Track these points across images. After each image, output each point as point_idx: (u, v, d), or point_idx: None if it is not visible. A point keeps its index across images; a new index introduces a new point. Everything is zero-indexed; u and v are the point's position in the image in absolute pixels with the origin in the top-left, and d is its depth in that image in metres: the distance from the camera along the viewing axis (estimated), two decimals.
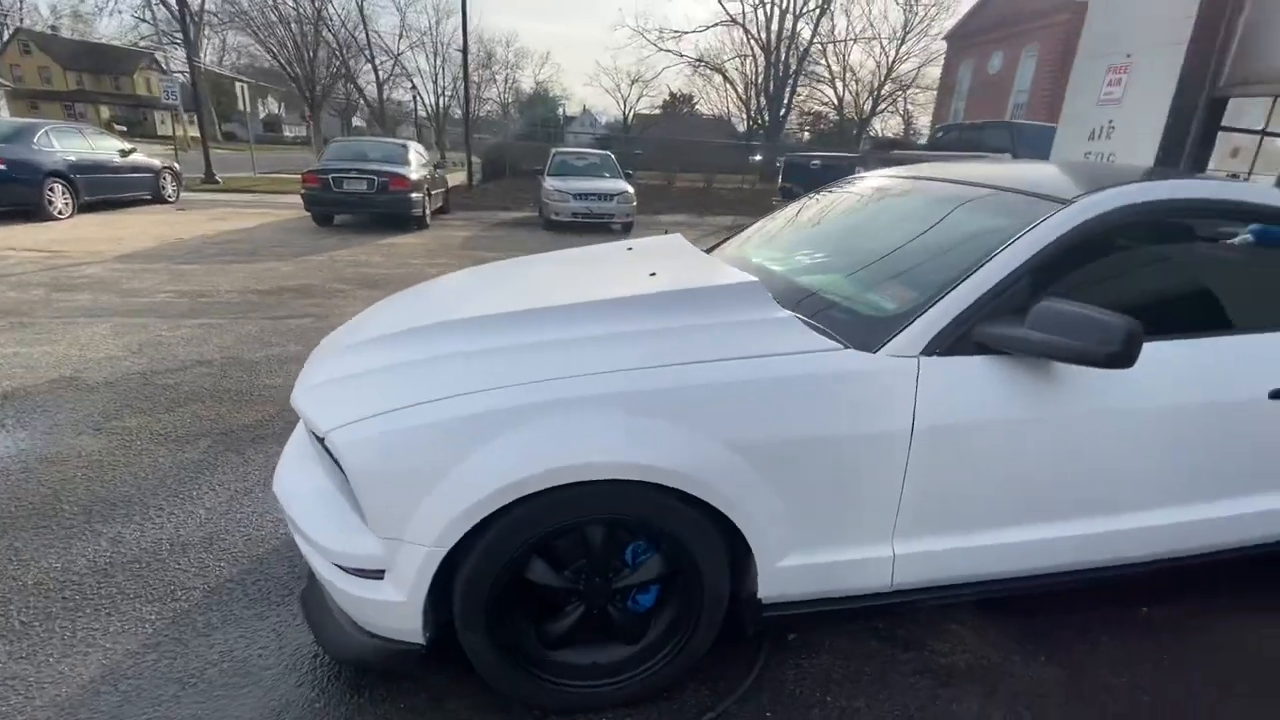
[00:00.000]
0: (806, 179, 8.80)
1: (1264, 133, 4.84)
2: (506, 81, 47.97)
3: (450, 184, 12.43)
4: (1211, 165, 4.55)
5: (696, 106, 36.61)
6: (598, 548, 1.55)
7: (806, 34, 21.15)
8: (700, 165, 17.09)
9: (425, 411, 1.45)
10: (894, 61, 24.88)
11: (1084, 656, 1.86)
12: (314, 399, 1.66)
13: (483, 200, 13.61)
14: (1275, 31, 3.90)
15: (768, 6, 20.34)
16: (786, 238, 2.62)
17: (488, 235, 9.77)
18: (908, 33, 24.33)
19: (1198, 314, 1.90)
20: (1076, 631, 1.95)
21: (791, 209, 2.93)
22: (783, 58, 20.84)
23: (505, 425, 1.42)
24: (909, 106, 28.55)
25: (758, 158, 18.35)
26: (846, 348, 1.59)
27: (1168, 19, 4.21)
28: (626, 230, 10.65)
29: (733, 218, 13.24)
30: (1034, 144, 8.53)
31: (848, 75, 24.13)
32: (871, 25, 31.42)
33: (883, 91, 25.24)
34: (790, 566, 1.60)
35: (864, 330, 1.64)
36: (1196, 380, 1.73)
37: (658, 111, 43.87)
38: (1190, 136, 4.26)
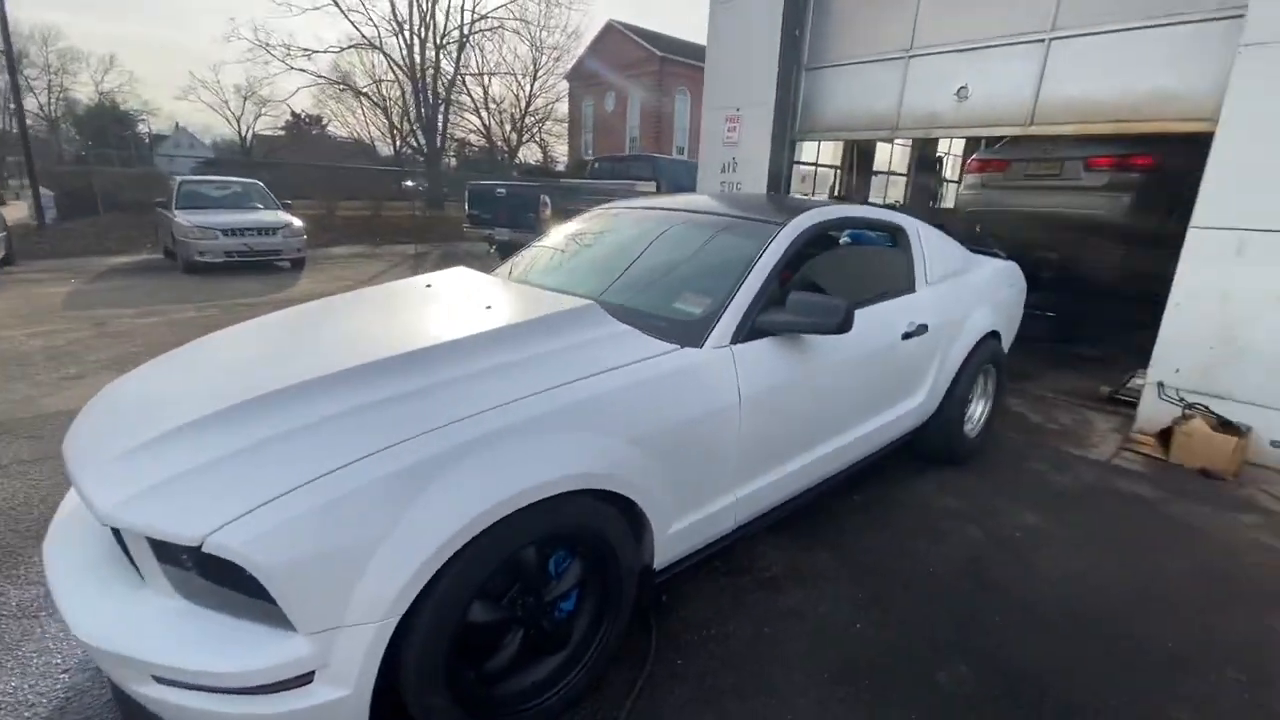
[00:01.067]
0: (493, 207, 9.16)
1: (816, 165, 7.03)
2: (51, 90, 36.54)
3: (8, 222, 9.13)
4: (793, 189, 6.44)
5: (328, 128, 33.50)
6: (532, 569, 1.62)
7: (448, 64, 21.47)
8: (354, 192, 15.95)
9: (341, 480, 1.34)
10: (530, 95, 26.99)
11: (838, 538, 2.65)
12: (161, 503, 1.33)
13: (67, 243, 10.31)
14: (817, 100, 5.77)
15: (407, 34, 20.00)
16: (568, 264, 2.90)
17: (104, 287, 7.56)
18: (538, 70, 26.66)
19: (857, 290, 2.84)
20: (828, 524, 2.74)
21: (551, 240, 3.21)
22: (429, 84, 20.75)
23: (434, 472, 1.41)
24: (544, 137, 31.33)
25: (409, 183, 18.00)
26: (682, 347, 1.99)
27: (761, 86, 5.82)
28: (298, 267, 9.44)
29: (414, 246, 12.81)
30: (671, 174, 10.50)
31: (491, 106, 25.30)
32: (505, 61, 33.46)
33: (525, 123, 27.18)
34: (674, 532, 1.93)
35: (683, 332, 2.06)
36: (867, 334, 2.62)
37: (281, 133, 38.76)
38: (784, 169, 5.98)
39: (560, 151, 36.08)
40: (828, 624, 2.14)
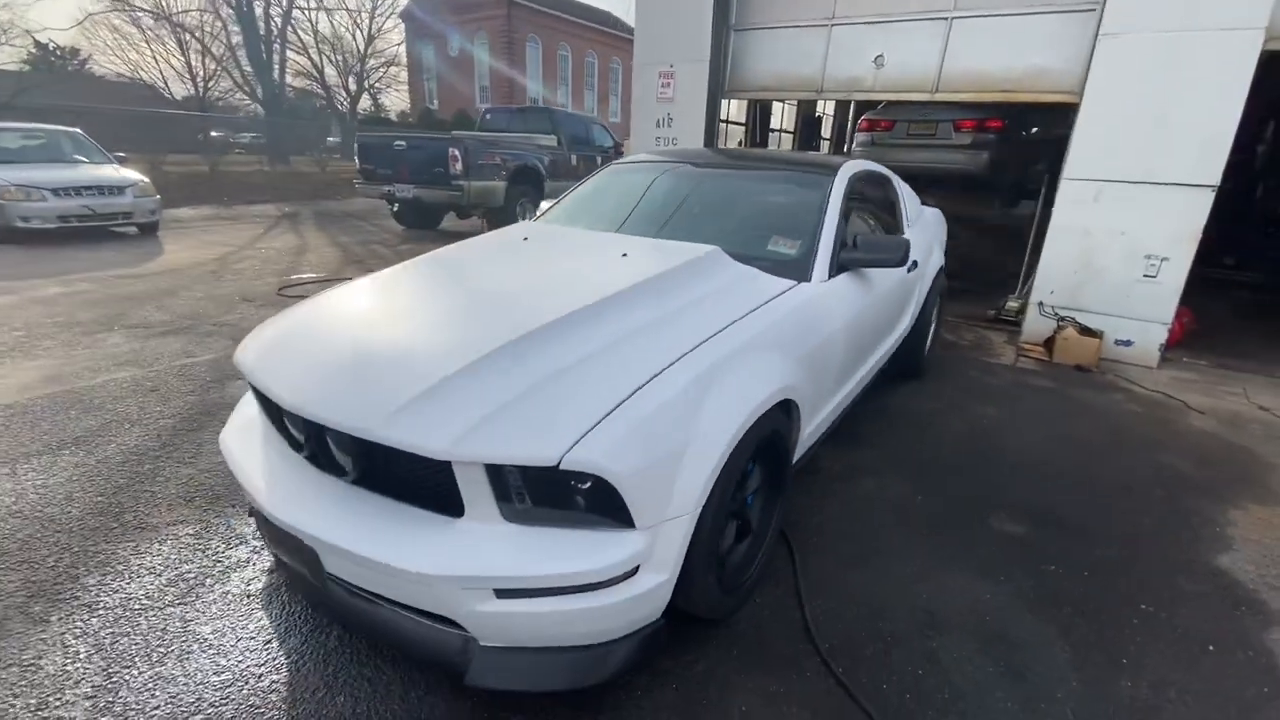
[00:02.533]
0: (392, 161, 8.54)
1: (727, 121, 7.51)
2: None
3: None
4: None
5: (90, 64, 27.42)
6: (746, 466, 1.93)
7: None
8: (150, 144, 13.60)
9: (652, 393, 1.55)
10: (370, 36, 24.43)
11: (873, 439, 3.22)
12: (503, 433, 1.44)
13: None
14: (746, 60, 6.19)
15: None
16: (638, 213, 3.04)
17: None
18: (376, 7, 24.14)
19: (867, 231, 3.34)
20: (859, 430, 3.30)
21: (596, 190, 3.34)
22: (259, 19, 17.94)
23: (710, 384, 1.67)
24: (378, 84, 28.66)
25: (245, 136, 15.71)
26: (799, 282, 2.35)
27: (695, 43, 6.09)
28: (149, 232, 8.11)
29: (277, 206, 11.46)
30: (570, 128, 10.41)
31: (325, 47, 22.53)
32: None
33: (367, 67, 24.64)
34: (806, 434, 2.32)
35: (789, 270, 2.42)
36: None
37: (26, 68, 31.06)
38: (716, 125, 6.38)
39: (395, 100, 33.25)
40: (897, 500, 2.69)
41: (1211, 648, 1.94)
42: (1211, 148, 4.07)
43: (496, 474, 1.46)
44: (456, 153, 7.96)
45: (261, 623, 1.86)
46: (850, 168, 2.99)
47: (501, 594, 1.46)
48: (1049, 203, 4.92)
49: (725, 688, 1.71)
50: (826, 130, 10.73)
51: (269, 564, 2.11)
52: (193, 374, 3.64)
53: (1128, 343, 4.63)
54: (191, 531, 2.25)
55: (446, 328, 1.90)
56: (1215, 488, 2.91)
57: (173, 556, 2.12)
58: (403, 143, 8.39)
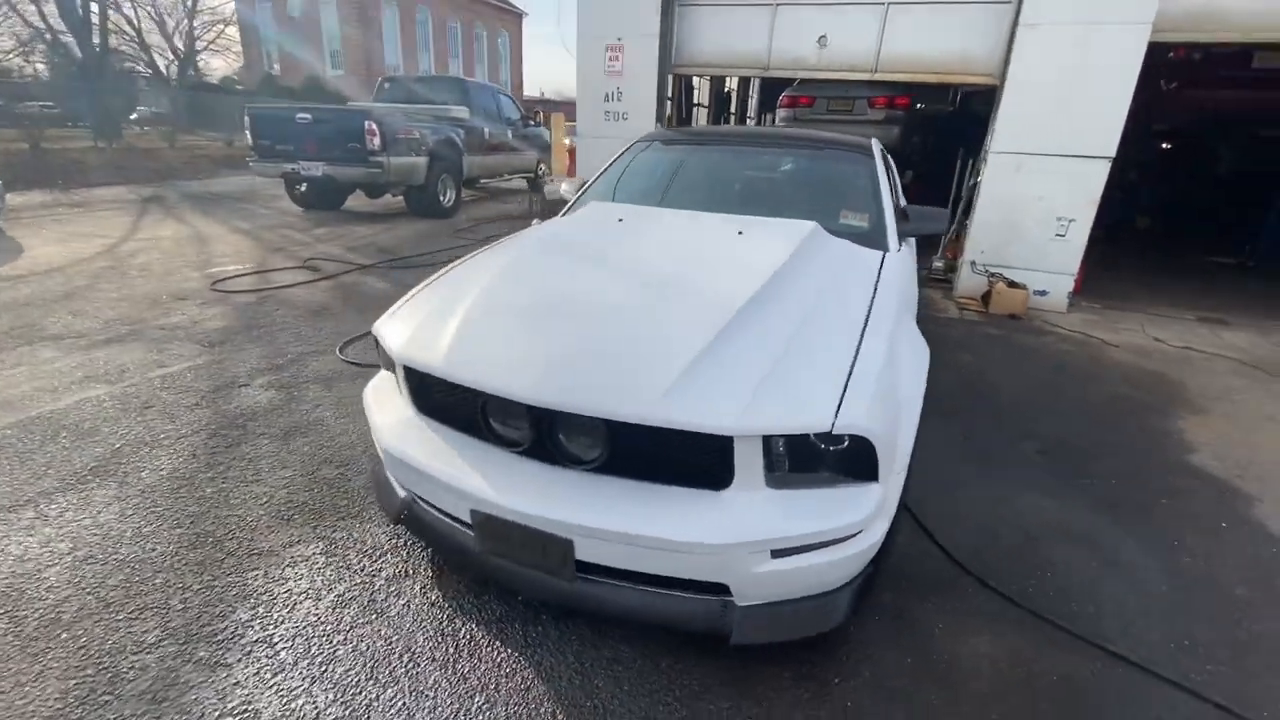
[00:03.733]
0: (294, 136, 7.66)
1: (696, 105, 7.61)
2: None
3: None
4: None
5: None
6: None
7: None
8: None
9: (867, 364, 1.69)
10: None
11: None
12: (775, 407, 1.52)
13: None
14: (694, 36, 6.30)
15: None
16: (703, 190, 3.10)
17: None
18: None
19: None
20: None
21: (640, 169, 3.34)
22: None
23: (895, 351, 1.84)
24: (212, 46, 25.13)
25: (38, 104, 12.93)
26: (884, 251, 2.58)
27: (645, 17, 6.08)
28: None
29: (128, 188, 9.83)
30: (482, 101, 9.91)
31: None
32: None
33: (194, 25, 21.35)
34: None
35: (870, 241, 2.65)
36: None
37: None
38: (668, 99, 6.46)
39: (220, 65, 29.44)
40: (949, 440, 3.06)
41: (1224, 524, 2.49)
42: (1109, 125, 4.88)
43: (766, 444, 1.55)
44: (374, 127, 7.34)
45: (471, 628, 1.79)
46: (877, 145, 3.27)
47: (776, 554, 1.56)
48: (968, 173, 5.61)
49: (918, 613, 1.94)
50: (735, 105, 11.14)
51: (430, 570, 2.00)
52: (182, 385, 3.19)
53: (1044, 293, 5.45)
54: (318, 550, 2.06)
55: (646, 308, 1.89)
56: (1156, 405, 3.62)
57: (318, 578, 1.94)
58: (307, 116, 7.56)
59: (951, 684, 1.69)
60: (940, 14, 5.42)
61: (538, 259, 2.28)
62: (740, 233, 2.47)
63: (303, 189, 8.22)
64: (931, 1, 5.42)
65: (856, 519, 1.60)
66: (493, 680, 1.63)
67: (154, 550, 2.02)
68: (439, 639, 1.75)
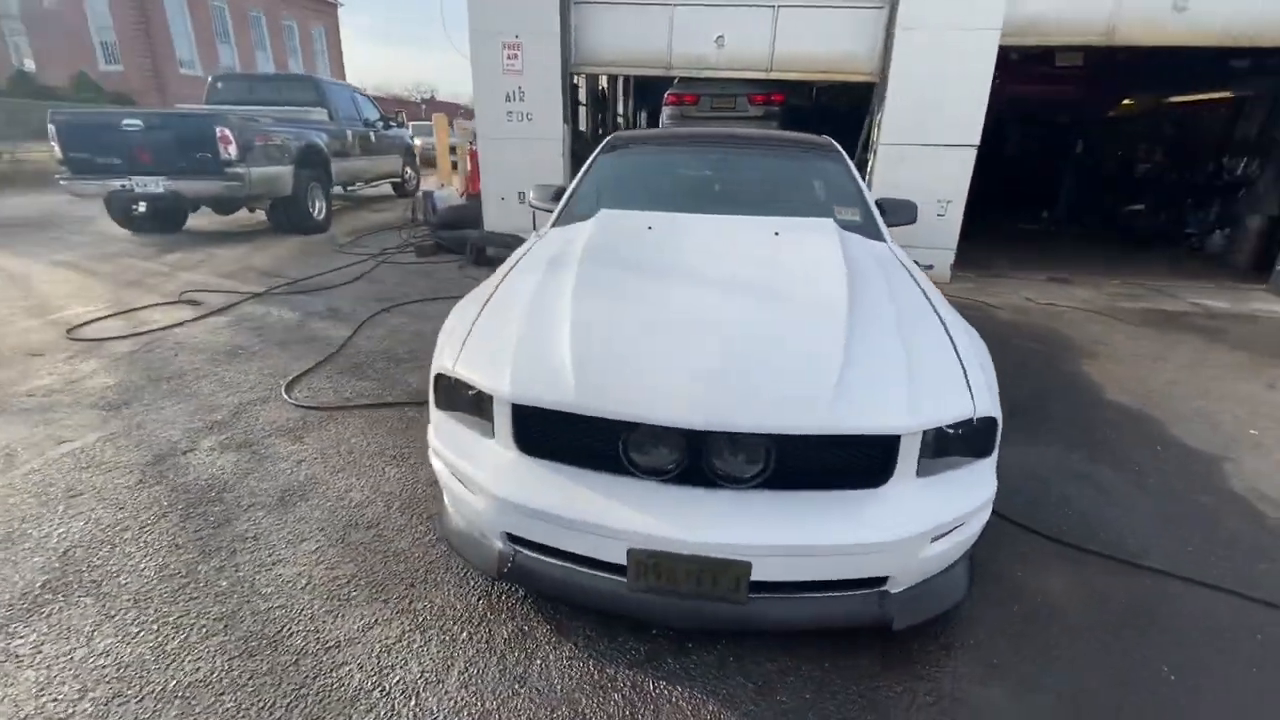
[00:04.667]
0: (118, 147, 6.40)
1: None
2: None
3: None
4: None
5: None
6: None
7: None
8: None
9: (964, 352, 1.83)
10: None
11: None
12: (932, 403, 1.61)
13: None
14: (593, 34, 6.21)
15: None
16: (690, 192, 3.09)
17: None
18: None
19: None
20: None
21: (627, 173, 3.26)
22: None
23: (963, 338, 2.00)
24: None
25: None
26: (884, 242, 2.79)
27: (544, 14, 5.87)
28: None
29: None
30: (340, 101, 8.96)
31: None
32: None
33: None
34: None
35: (865, 233, 2.84)
36: None
37: None
38: (570, 99, 6.32)
39: None
40: None
41: (1158, 447, 3.03)
42: (973, 117, 5.63)
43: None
44: (228, 132, 6.37)
45: (627, 673, 1.68)
46: (830, 140, 3.49)
47: (935, 539, 1.65)
48: (860, 164, 6.18)
49: (996, 567, 2.14)
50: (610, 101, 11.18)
51: (548, 623, 1.84)
52: (105, 461, 2.59)
53: (930, 266, 6.16)
54: (405, 627, 1.80)
55: (756, 319, 1.88)
56: (1056, 355, 4.28)
57: (426, 659, 1.70)
58: (138, 122, 6.35)
59: (1056, 621, 1.90)
60: (824, 16, 5.88)
61: (605, 275, 2.15)
62: (776, 233, 2.53)
63: (140, 209, 6.89)
64: (816, 5, 5.85)
65: (991, 492, 1.74)
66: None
67: (199, 669, 1.64)
68: (603, 693, 1.62)
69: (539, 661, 1.71)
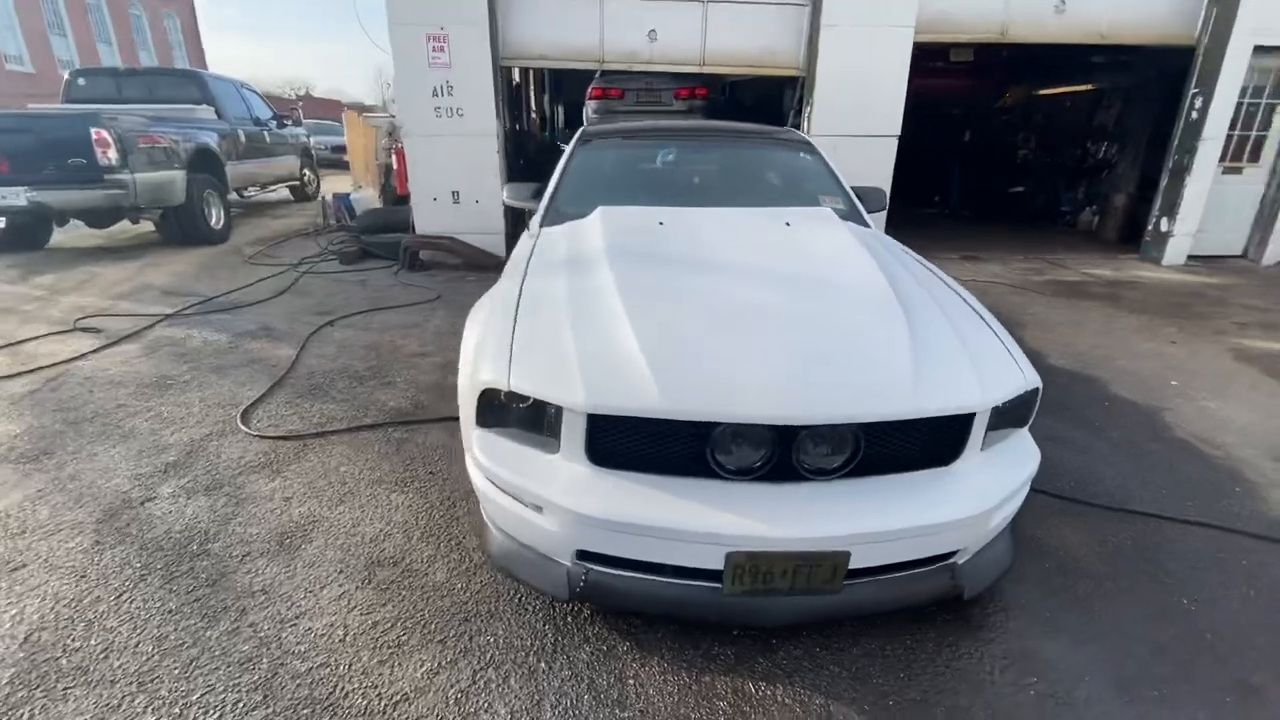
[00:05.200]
0: None
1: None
2: None
3: None
4: None
5: None
6: None
7: None
8: None
9: (999, 329, 1.94)
10: None
11: None
12: (993, 380, 1.68)
13: None
14: (521, 27, 5.98)
15: None
16: (677, 185, 3.05)
17: None
18: None
19: None
20: None
21: (610, 169, 3.17)
22: None
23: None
24: None
25: None
26: (869, 228, 2.89)
27: (465, 3, 5.57)
28: None
29: None
30: (228, 98, 8.09)
31: None
32: None
33: None
34: None
35: (851, 218, 2.94)
36: None
37: None
38: (501, 93, 6.07)
39: None
40: None
41: (1105, 402, 3.36)
42: (894, 109, 5.98)
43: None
44: (105, 134, 5.59)
45: (724, 680, 1.63)
46: (804, 137, 3.59)
47: (999, 506, 1.73)
48: None
49: (1029, 527, 2.28)
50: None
51: (625, 639, 1.76)
52: (44, 524, 2.19)
53: None
54: (474, 666, 1.66)
55: (811, 309, 1.88)
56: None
57: (512, 699, 1.57)
58: None
59: (1084, 572, 2.06)
60: (752, 12, 6.02)
61: (642, 274, 2.06)
62: (788, 224, 2.55)
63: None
64: (743, 1, 5.98)
65: (1038, 458, 1.85)
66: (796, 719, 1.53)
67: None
68: (707, 704, 1.57)
69: (631, 681, 1.63)
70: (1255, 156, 6.65)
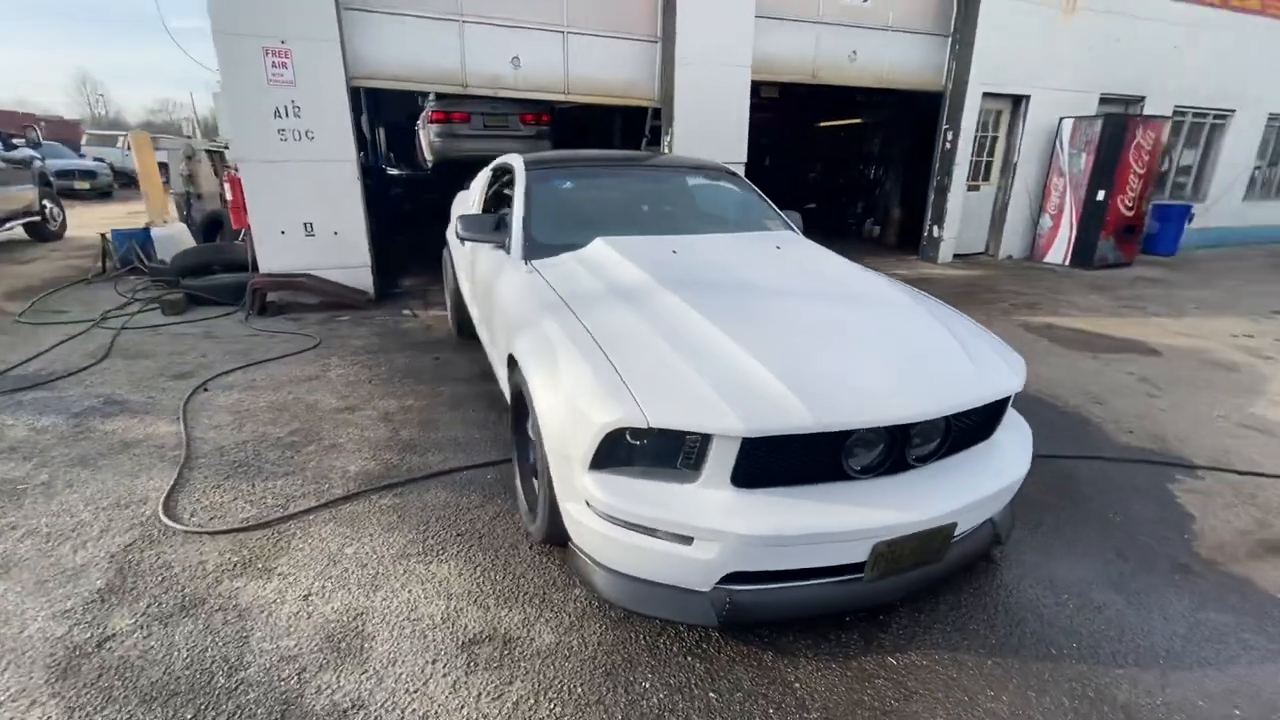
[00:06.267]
0: None
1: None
2: None
3: None
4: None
5: None
6: None
7: None
8: None
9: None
10: None
11: None
12: (1018, 366, 2.07)
13: None
14: (374, 46, 5.48)
15: None
16: (635, 216, 3.11)
17: None
18: None
19: None
20: None
21: (574, 201, 3.16)
22: None
23: None
24: None
25: None
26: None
27: (312, 16, 4.96)
28: None
29: None
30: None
31: None
32: None
33: None
34: None
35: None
36: None
37: None
38: (358, 115, 5.51)
39: None
40: None
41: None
42: (740, 139, 6.69)
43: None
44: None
45: (880, 682, 1.80)
46: (720, 166, 3.92)
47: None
48: None
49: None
50: None
51: (769, 649, 1.83)
52: None
53: None
54: (660, 701, 1.61)
55: (861, 320, 2.13)
56: None
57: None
58: None
59: (1045, 507, 2.62)
60: (608, 45, 6.29)
61: (708, 299, 2.13)
62: (778, 247, 2.81)
63: None
64: (599, 34, 6.23)
65: (1028, 426, 2.32)
66: (961, 696, 1.75)
67: None
68: (869, 683, 1.72)
69: (797, 685, 1.72)
70: (987, 176, 8.68)
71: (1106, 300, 6.52)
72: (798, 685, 1.72)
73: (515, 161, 3.42)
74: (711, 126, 6.55)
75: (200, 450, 2.94)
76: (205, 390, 3.64)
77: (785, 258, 2.73)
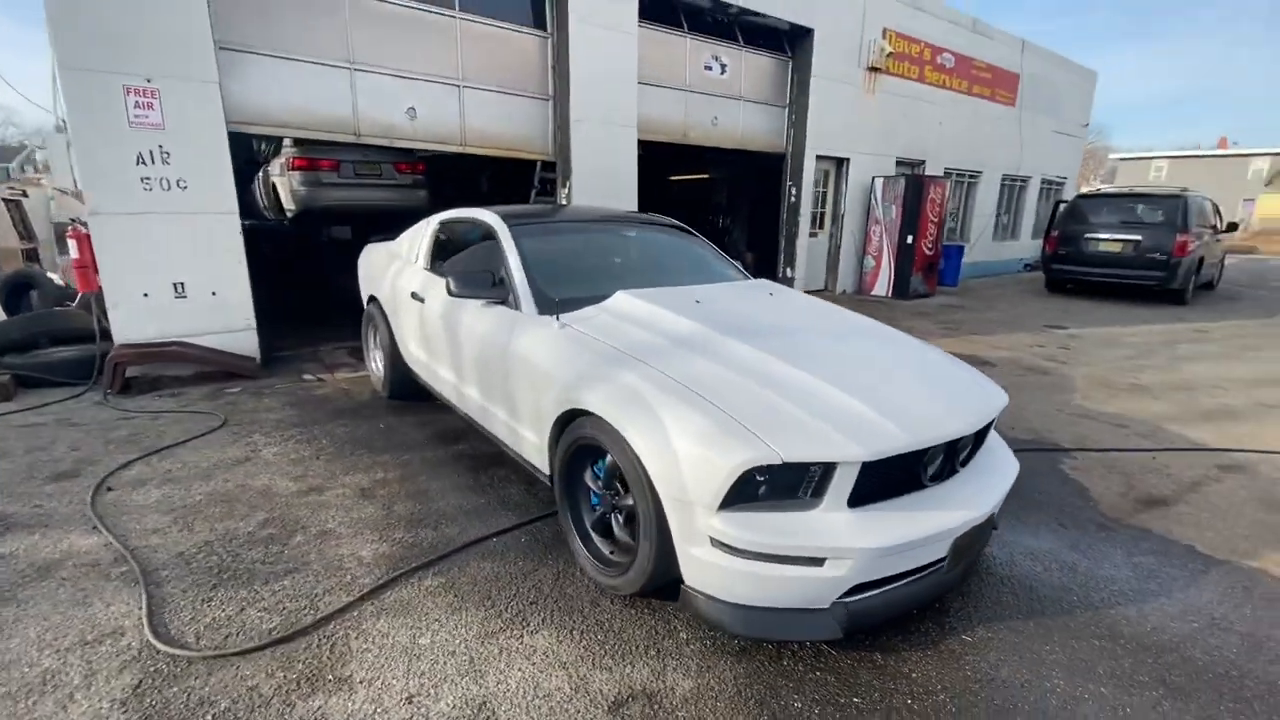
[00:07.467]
0: None
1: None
2: None
3: None
4: None
5: None
6: None
7: None
8: None
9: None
10: None
11: None
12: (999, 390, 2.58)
13: None
14: (258, 89, 4.95)
15: None
16: (616, 271, 3.28)
17: None
18: None
19: None
20: None
21: (574, 256, 3.24)
22: None
23: None
24: None
25: None
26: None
27: (184, 54, 4.35)
28: None
29: None
30: None
31: None
32: None
33: None
34: None
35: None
36: None
37: None
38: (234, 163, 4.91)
39: None
40: None
41: None
42: (630, 191, 7.12)
43: None
44: None
45: (964, 683, 2.10)
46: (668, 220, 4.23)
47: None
48: None
49: None
50: None
51: (884, 651, 2.06)
52: None
53: None
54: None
55: (877, 353, 2.52)
56: None
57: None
58: None
59: (1022, 492, 3.20)
60: (502, 100, 6.39)
61: (764, 342, 2.37)
62: (771, 294, 3.13)
63: None
64: (494, 90, 6.30)
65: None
66: (1031, 655, 2.12)
67: None
68: (954, 661, 2.02)
69: (915, 675, 1.97)
70: (822, 225, 10.12)
71: (932, 324, 7.93)
72: (914, 675, 1.97)
73: (489, 217, 3.39)
74: (606, 179, 6.90)
75: (155, 562, 2.44)
76: (110, 490, 3.00)
77: (786, 303, 3.09)
